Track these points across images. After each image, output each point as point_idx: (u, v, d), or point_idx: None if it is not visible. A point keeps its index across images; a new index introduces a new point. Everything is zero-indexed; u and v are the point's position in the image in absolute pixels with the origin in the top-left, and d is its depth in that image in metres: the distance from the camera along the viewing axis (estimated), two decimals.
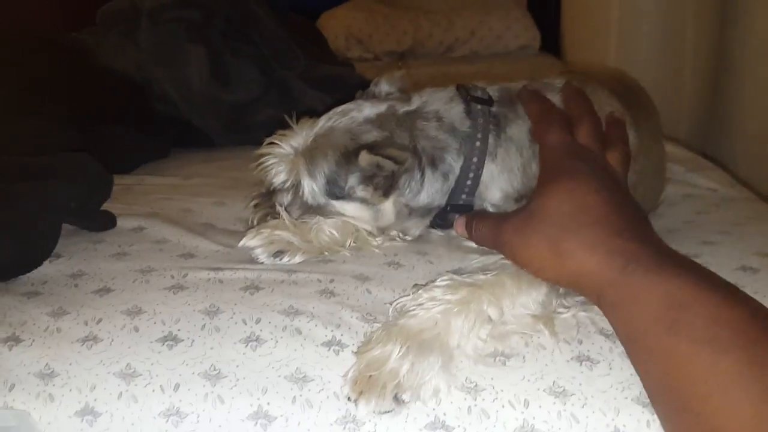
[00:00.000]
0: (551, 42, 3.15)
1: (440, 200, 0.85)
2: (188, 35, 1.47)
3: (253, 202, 0.96)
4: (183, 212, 1.04)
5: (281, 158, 0.89)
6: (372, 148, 0.81)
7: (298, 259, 0.85)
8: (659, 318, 0.54)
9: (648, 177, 0.99)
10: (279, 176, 0.90)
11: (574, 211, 0.64)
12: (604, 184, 0.68)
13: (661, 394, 0.55)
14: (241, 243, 0.87)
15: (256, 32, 1.57)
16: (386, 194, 0.84)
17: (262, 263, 0.84)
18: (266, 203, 0.94)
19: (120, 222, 0.96)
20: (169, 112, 1.49)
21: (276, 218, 0.90)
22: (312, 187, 0.85)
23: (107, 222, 0.93)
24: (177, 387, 0.65)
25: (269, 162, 0.90)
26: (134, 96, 1.47)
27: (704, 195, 1.15)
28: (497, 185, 0.84)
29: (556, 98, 0.86)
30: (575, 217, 0.63)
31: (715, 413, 0.50)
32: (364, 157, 0.80)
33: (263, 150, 0.90)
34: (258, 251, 0.85)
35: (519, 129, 0.85)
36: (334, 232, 0.87)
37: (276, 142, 0.89)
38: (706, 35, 2.23)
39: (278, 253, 0.85)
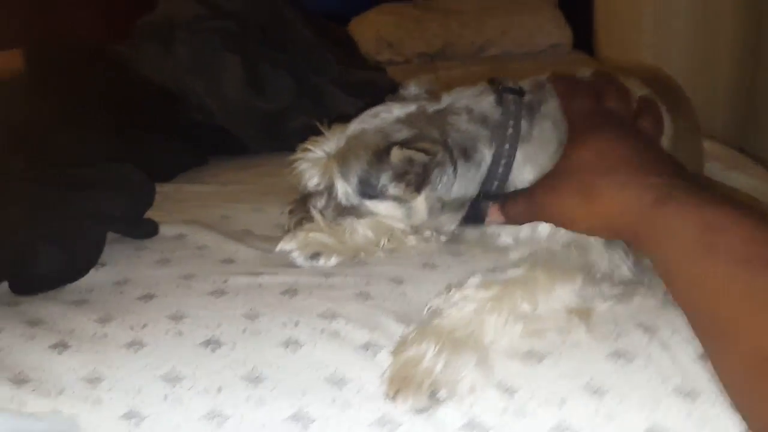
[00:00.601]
0: (583, 40, 3.12)
1: (473, 190, 0.86)
2: (223, 45, 1.50)
3: (288, 208, 0.98)
4: (222, 219, 1.06)
5: (314, 162, 0.91)
6: (403, 144, 0.82)
7: (334, 260, 0.86)
8: (696, 243, 0.53)
9: None
10: (312, 180, 0.91)
11: (602, 158, 0.64)
12: (631, 135, 0.67)
13: (702, 321, 0.55)
14: (278, 247, 0.88)
15: (289, 40, 1.60)
16: (418, 190, 0.84)
17: (299, 267, 0.86)
18: (301, 208, 0.95)
19: (162, 229, 0.98)
20: (206, 121, 1.52)
21: (311, 222, 0.92)
22: (345, 189, 0.87)
23: (150, 230, 0.96)
24: (220, 389, 0.67)
25: (302, 166, 0.92)
26: (172, 106, 1.51)
27: (743, 192, 1.13)
28: (532, 164, 0.84)
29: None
30: (603, 162, 0.63)
31: (755, 332, 0.49)
32: (396, 153, 0.82)
33: (296, 155, 0.92)
34: (295, 254, 0.87)
35: (552, 106, 0.85)
36: (369, 233, 0.88)
37: (309, 147, 0.91)
38: (742, 30, 2.19)
39: (314, 255, 0.86)
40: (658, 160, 0.63)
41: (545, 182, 0.70)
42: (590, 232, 0.67)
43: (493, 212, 0.81)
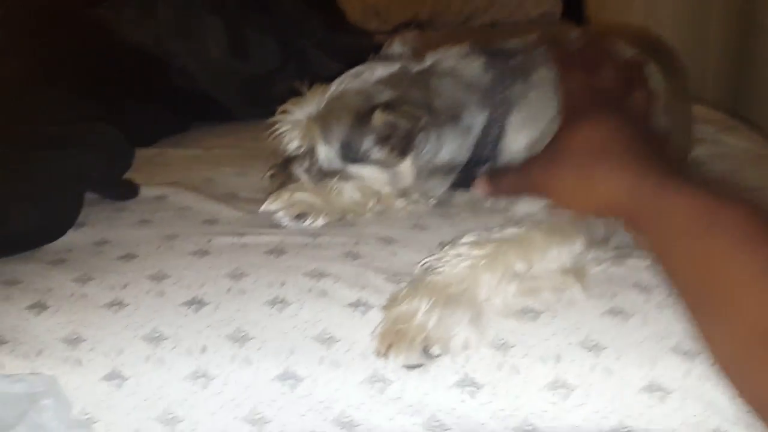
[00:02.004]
0: (573, 8, 3.09)
1: (463, 156, 0.84)
2: (206, 7, 1.46)
3: (269, 172, 0.96)
4: (205, 181, 1.03)
5: (294, 125, 0.89)
6: (385, 107, 0.79)
7: (320, 221, 0.84)
8: (695, 221, 0.54)
9: (674, 134, 0.96)
10: (293, 143, 0.89)
11: (602, 142, 0.63)
12: (628, 119, 0.67)
13: (697, 297, 0.55)
14: (263, 207, 0.86)
15: (275, 3, 1.55)
16: (403, 154, 0.82)
17: (285, 227, 0.84)
18: (283, 172, 0.93)
19: (142, 191, 0.96)
20: (188, 86, 1.48)
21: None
22: (327, 152, 0.85)
23: (129, 191, 0.94)
24: (204, 349, 0.65)
25: (282, 129, 0.89)
26: (153, 70, 1.46)
27: (736, 154, 1.13)
28: (529, 130, 0.82)
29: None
30: (603, 147, 0.63)
31: (752, 307, 0.49)
32: (378, 117, 0.79)
33: (276, 118, 0.90)
34: (280, 214, 0.85)
35: (546, 72, 0.83)
36: (356, 194, 0.86)
37: (288, 108, 0.88)
38: None
39: (300, 216, 0.84)
40: (656, 151, 0.64)
41: (540, 160, 0.69)
42: (588, 212, 0.67)
43: (481, 183, 0.79)
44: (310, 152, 0.88)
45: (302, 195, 0.85)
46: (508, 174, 0.75)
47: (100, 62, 1.36)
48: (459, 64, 0.84)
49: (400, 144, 0.81)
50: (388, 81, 0.83)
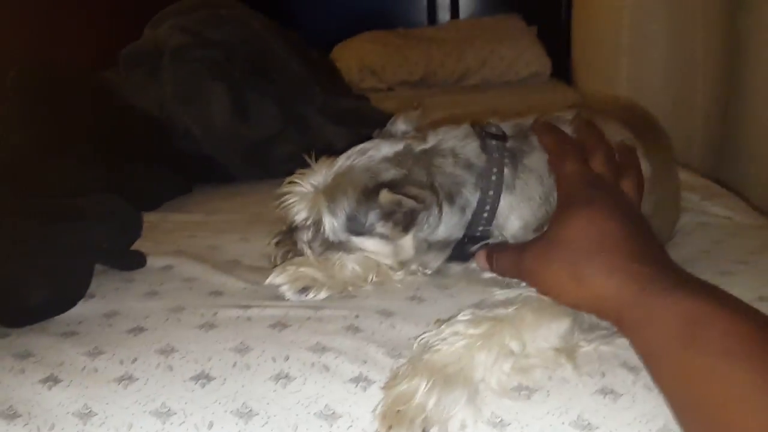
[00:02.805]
0: (562, 69, 3.18)
1: (458, 233, 0.87)
2: (210, 73, 1.52)
3: (275, 239, 0.99)
4: (209, 249, 1.06)
5: (302, 196, 0.91)
6: (391, 186, 0.83)
7: (323, 294, 0.87)
8: (677, 335, 0.56)
9: (663, 207, 1.01)
10: (300, 214, 0.92)
11: (592, 238, 0.66)
12: (621, 211, 0.70)
13: (685, 411, 0.56)
14: (268, 281, 0.89)
15: (274, 69, 1.61)
16: (406, 230, 0.86)
17: (288, 300, 0.87)
18: (288, 240, 0.96)
19: (149, 261, 0.98)
20: (192, 149, 1.53)
21: (297, 255, 0.93)
22: (333, 224, 0.87)
23: (137, 261, 0.96)
24: (211, 425, 0.67)
25: (290, 200, 0.92)
26: (157, 134, 1.51)
27: (720, 223, 1.16)
28: (516, 215, 0.86)
29: (567, 130, 0.88)
30: (593, 244, 0.66)
31: (735, 423, 0.51)
32: (385, 196, 0.83)
33: (284, 189, 0.93)
34: (284, 288, 0.87)
35: (537, 159, 0.87)
36: (357, 267, 0.89)
37: (296, 180, 0.92)
38: (716, 60, 2.25)
39: (304, 290, 0.87)
40: (646, 246, 0.66)
41: (535, 248, 0.72)
42: (576, 307, 0.69)
43: (480, 259, 0.82)
44: (316, 223, 0.91)
45: (306, 270, 0.88)
46: (506, 253, 0.78)
47: (107, 127, 1.41)
48: (458, 146, 0.88)
49: (404, 220, 0.85)
50: (393, 159, 0.87)
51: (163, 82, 1.56)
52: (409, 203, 0.82)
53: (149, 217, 1.21)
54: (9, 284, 0.82)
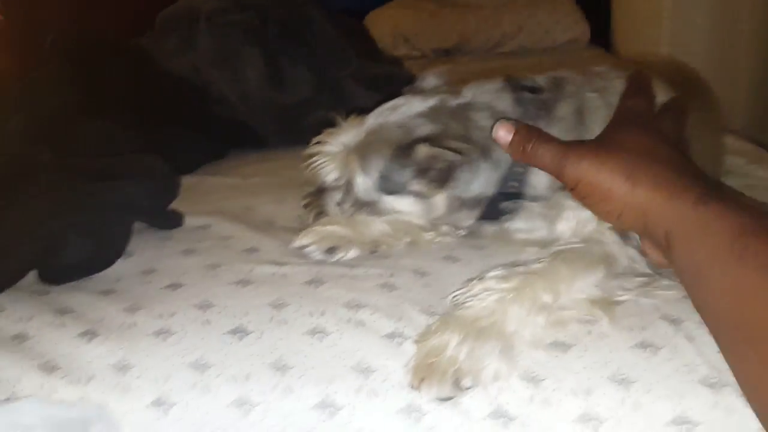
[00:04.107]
0: (601, 35, 3.10)
1: (491, 190, 0.86)
2: (245, 38, 1.52)
3: (304, 202, 0.98)
4: (245, 210, 1.07)
5: (332, 156, 0.91)
6: (429, 140, 0.82)
7: (352, 253, 0.87)
8: (729, 246, 0.53)
9: (705, 168, 0.97)
10: (331, 174, 0.91)
11: (648, 149, 0.62)
12: (674, 144, 0.67)
13: (727, 326, 0.54)
14: (294, 243, 0.89)
15: (310, 34, 1.60)
16: (441, 186, 0.84)
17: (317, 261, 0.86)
18: (318, 202, 0.96)
19: (187, 220, 1.00)
20: (226, 114, 1.53)
21: (327, 216, 0.92)
22: (366, 183, 0.87)
23: (175, 220, 0.98)
24: (248, 377, 0.67)
25: (320, 161, 0.92)
26: (193, 98, 1.52)
27: (765, 186, 1.13)
28: None
29: (619, 85, 0.83)
30: (649, 154, 0.62)
31: None
32: (423, 150, 0.81)
33: (313, 149, 0.92)
34: (310, 248, 0.87)
35: (566, 109, 0.85)
36: (386, 227, 0.88)
37: (325, 140, 0.91)
38: (761, 23, 2.17)
39: (331, 249, 0.86)
40: (695, 167, 0.63)
41: (583, 148, 0.64)
42: (620, 220, 0.63)
43: (502, 129, 0.69)
44: (347, 183, 0.90)
45: (332, 228, 0.87)
46: (548, 145, 0.66)
47: (144, 91, 1.42)
48: (493, 99, 0.86)
49: (440, 176, 0.83)
50: (428, 114, 0.85)
51: (198, 46, 1.56)
52: (450, 156, 0.81)
53: (185, 180, 1.21)
54: (49, 242, 0.83)
